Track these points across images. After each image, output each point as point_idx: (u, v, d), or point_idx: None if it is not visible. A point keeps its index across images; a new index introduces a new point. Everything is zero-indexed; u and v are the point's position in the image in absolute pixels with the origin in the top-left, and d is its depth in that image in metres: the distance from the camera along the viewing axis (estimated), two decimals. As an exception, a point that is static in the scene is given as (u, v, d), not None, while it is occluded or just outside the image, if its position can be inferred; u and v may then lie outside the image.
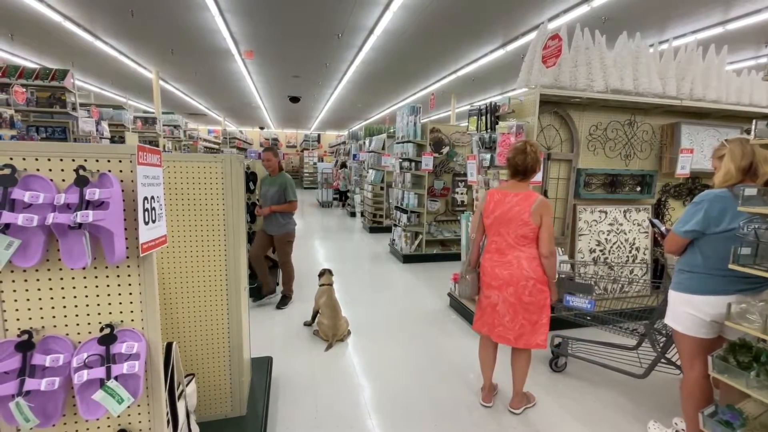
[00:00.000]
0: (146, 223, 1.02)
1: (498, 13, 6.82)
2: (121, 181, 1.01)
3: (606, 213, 3.90)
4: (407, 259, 6.01)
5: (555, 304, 2.40)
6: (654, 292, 3.78)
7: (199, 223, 1.92)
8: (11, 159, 0.95)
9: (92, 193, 0.93)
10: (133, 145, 1.00)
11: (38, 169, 0.97)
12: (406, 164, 6.19)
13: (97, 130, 7.39)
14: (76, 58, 10.00)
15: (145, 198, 1.02)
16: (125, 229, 1.00)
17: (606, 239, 3.91)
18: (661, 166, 3.99)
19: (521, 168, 2.27)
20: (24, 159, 0.96)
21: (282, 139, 27.34)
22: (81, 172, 0.95)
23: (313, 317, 3.44)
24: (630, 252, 3.99)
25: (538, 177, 3.29)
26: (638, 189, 3.96)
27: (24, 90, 6.26)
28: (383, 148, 8.34)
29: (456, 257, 6.14)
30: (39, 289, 1.01)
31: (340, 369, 2.94)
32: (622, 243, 3.96)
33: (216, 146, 20.01)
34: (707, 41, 7.52)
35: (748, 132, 4.20)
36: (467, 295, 2.48)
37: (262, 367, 2.69)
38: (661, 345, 2.55)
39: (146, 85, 12.50)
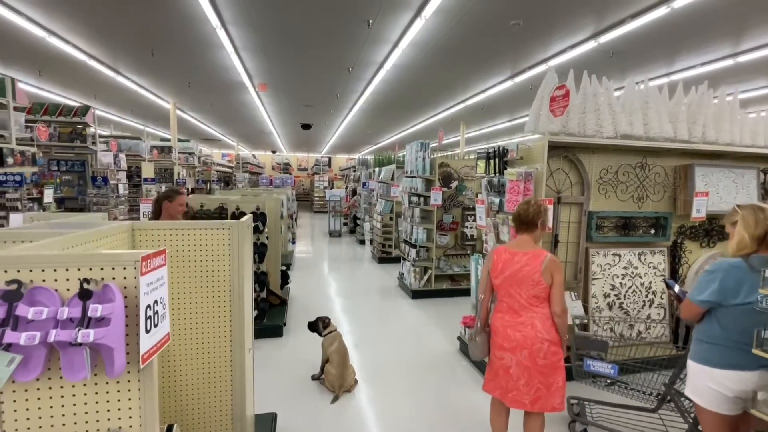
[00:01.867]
0: (147, 331, 1.02)
1: (505, 48, 6.93)
2: (125, 287, 1.02)
3: (620, 256, 3.80)
4: (416, 294, 5.93)
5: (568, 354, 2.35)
6: (673, 345, 3.62)
7: (204, 288, 1.92)
8: (18, 272, 0.97)
9: (95, 310, 0.93)
10: (137, 253, 1.01)
11: (44, 280, 0.98)
12: (414, 199, 6.19)
13: (114, 163, 7.62)
14: (99, 91, 10.44)
15: (148, 306, 1.02)
16: (127, 343, 1.00)
17: (621, 283, 3.80)
18: (676, 207, 3.90)
19: (523, 217, 2.27)
20: (31, 270, 0.98)
21: (293, 162, 27.82)
22: (85, 285, 0.96)
23: (322, 369, 3.36)
24: (646, 296, 3.86)
25: (548, 222, 3.24)
26: (652, 231, 3.87)
27: (47, 127, 6.52)
28: (392, 179, 8.38)
29: (466, 293, 6.03)
30: (39, 398, 1.00)
31: (347, 424, 2.86)
32: (637, 287, 3.84)
33: (229, 170, 20.43)
34: (717, 73, 7.54)
35: (765, 172, 4.11)
36: (478, 357, 2.42)
37: (266, 425, 2.63)
38: (691, 416, 2.40)
39: (164, 115, 12.94)
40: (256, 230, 4.13)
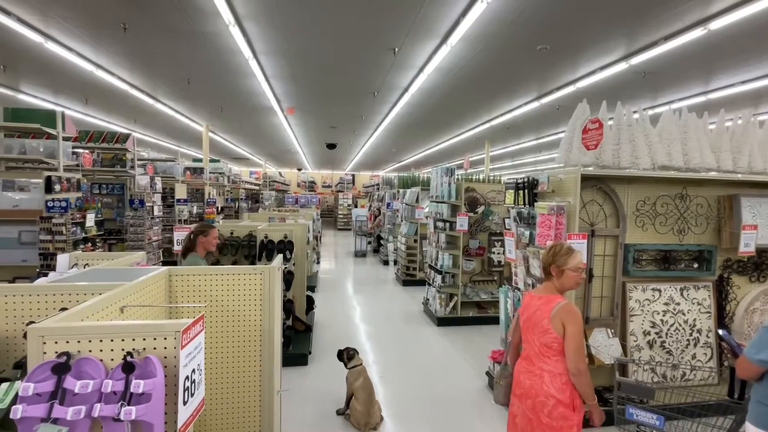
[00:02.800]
0: (185, 403, 1.02)
1: (531, 72, 6.88)
2: (165, 357, 1.03)
3: (660, 291, 3.60)
4: (442, 321, 5.81)
5: (598, 425, 2.08)
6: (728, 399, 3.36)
7: (236, 332, 1.94)
8: (67, 342, 1.00)
9: (137, 386, 0.94)
10: (179, 324, 1.03)
11: (90, 350, 1.01)
12: (440, 224, 6.13)
13: (151, 186, 7.98)
14: (138, 116, 11.07)
15: (186, 377, 1.03)
16: (165, 413, 1.01)
17: (662, 320, 3.59)
18: (721, 240, 3.68)
19: (544, 264, 2.11)
20: (79, 341, 1.01)
21: (318, 180, 28.34)
22: (128, 359, 0.98)
23: (347, 403, 3.31)
24: (691, 335, 3.62)
25: (582, 257, 3.12)
26: (695, 265, 3.66)
27: (91, 154, 6.93)
28: (417, 201, 8.36)
29: (493, 321, 5.86)
30: (81, 467, 1.02)
31: (372, 465, 2.79)
32: (680, 324, 3.61)
33: (256, 187, 21.01)
34: (761, 91, 7.19)
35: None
36: (500, 401, 2.30)
37: (292, 465, 2.59)
38: None
39: (197, 137, 13.53)
40: (284, 259, 4.18)
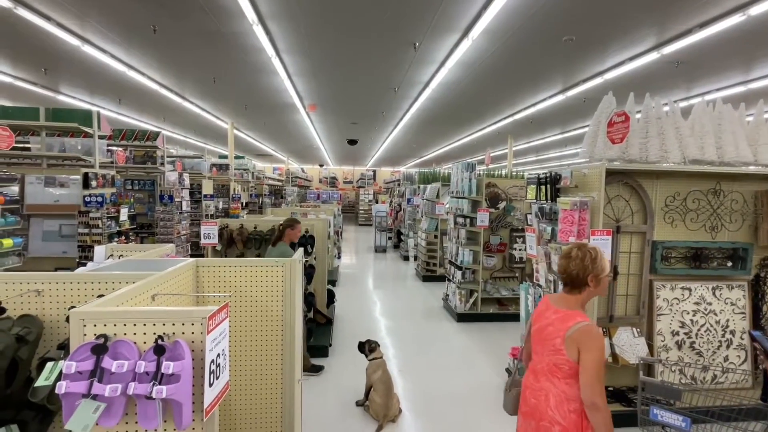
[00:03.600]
0: (211, 385, 1.09)
1: (556, 64, 6.70)
2: (192, 341, 1.10)
3: (690, 290, 3.47)
4: (462, 317, 5.79)
5: None
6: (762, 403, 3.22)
7: (258, 322, 2.02)
8: (105, 325, 1.08)
9: (167, 367, 1.01)
10: (206, 311, 1.09)
11: (125, 333, 1.09)
12: (461, 220, 6.09)
13: (179, 182, 8.29)
14: (167, 114, 11.48)
15: (212, 361, 1.09)
16: (193, 393, 1.07)
17: (692, 320, 3.46)
18: (758, 237, 3.50)
19: (563, 275, 1.78)
20: (115, 325, 1.09)
21: (339, 176, 28.57)
22: (160, 342, 1.05)
23: (366, 394, 3.38)
24: (723, 336, 3.47)
25: (605, 254, 3.04)
26: (729, 264, 3.50)
27: (124, 151, 7.26)
28: (437, 196, 8.33)
29: (514, 318, 5.79)
30: (117, 441, 1.10)
31: (390, 456, 2.84)
32: (712, 325, 3.47)
33: (279, 183, 21.41)
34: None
35: None
36: (509, 411, 2.04)
37: (313, 452, 2.67)
38: None
39: (222, 134, 13.92)
40: (305, 253, 4.27)
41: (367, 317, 5.98)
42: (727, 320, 3.49)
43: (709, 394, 3.05)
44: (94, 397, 1.01)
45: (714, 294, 3.49)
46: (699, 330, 3.46)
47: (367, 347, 3.58)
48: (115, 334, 1.08)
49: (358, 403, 3.46)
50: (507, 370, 4.04)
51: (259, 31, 5.37)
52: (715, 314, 3.48)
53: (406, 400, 3.58)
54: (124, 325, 1.09)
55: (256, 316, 2.01)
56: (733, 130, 3.19)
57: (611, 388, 3.44)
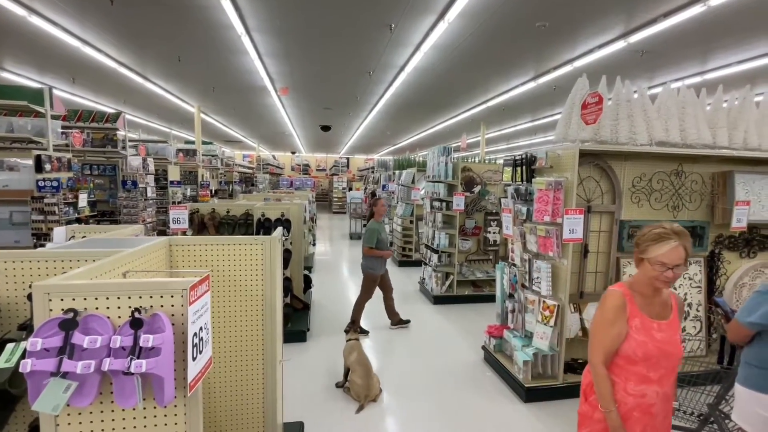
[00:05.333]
0: (194, 359, 1.03)
1: (529, 50, 6.80)
2: (172, 315, 1.04)
3: (653, 267, 3.66)
4: (438, 300, 5.88)
5: None
6: (718, 365, 3.46)
7: (238, 302, 1.95)
8: (74, 299, 1.00)
9: (146, 340, 0.95)
10: (187, 282, 1.03)
11: (97, 308, 1.01)
12: (437, 204, 6.14)
13: (143, 167, 7.86)
14: (128, 96, 10.80)
15: (195, 334, 1.04)
16: (174, 369, 1.02)
17: (654, 295, 3.66)
18: (714, 216, 3.74)
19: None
20: (85, 299, 1.00)
21: (312, 163, 28.09)
22: (136, 314, 0.98)
23: (345, 376, 3.38)
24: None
25: (578, 233, 3.15)
26: (688, 241, 3.72)
27: (81, 133, 6.78)
28: (413, 182, 8.35)
29: (488, 299, 5.95)
30: (92, 422, 1.03)
31: (371, 434, 2.86)
32: (671, 299, 3.69)
33: (250, 171, 20.80)
34: (755, 72, 7.19)
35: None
36: None
37: (294, 434, 2.65)
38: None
39: (188, 118, 13.28)
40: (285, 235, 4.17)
41: (345, 302, 5.96)
42: (685, 294, 3.72)
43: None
44: (65, 375, 0.94)
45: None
46: (660, 303, 3.68)
47: (351, 328, 3.63)
48: (85, 309, 1.00)
49: (338, 385, 3.46)
50: (483, 347, 4.15)
51: (227, 5, 5.10)
52: (675, 288, 3.70)
53: (386, 380, 3.62)
54: (96, 299, 1.01)
55: (235, 295, 1.94)
56: (696, 113, 3.35)
57: (580, 360, 3.61)
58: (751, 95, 3.57)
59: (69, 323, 0.95)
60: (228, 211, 4.31)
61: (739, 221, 3.49)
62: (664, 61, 7.06)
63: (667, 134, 3.28)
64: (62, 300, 0.99)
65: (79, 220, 5.56)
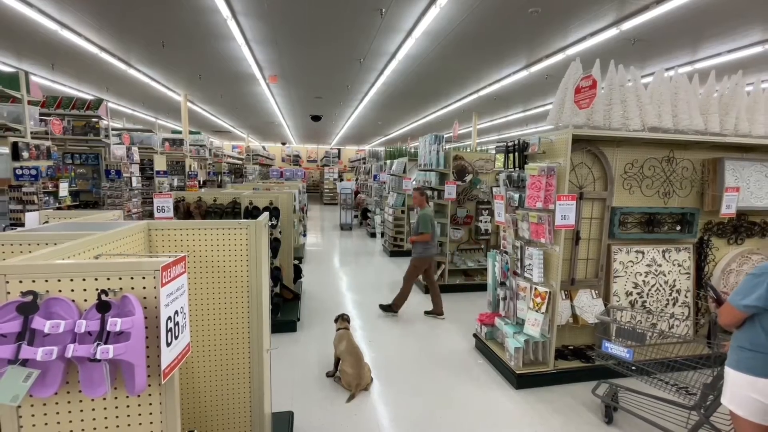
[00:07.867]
0: (168, 344, 0.96)
1: (521, 37, 6.72)
2: (144, 298, 0.96)
3: (643, 253, 3.68)
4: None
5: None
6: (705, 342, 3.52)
7: (222, 289, 1.88)
8: (34, 281, 0.92)
9: (114, 324, 0.87)
10: (158, 262, 0.95)
11: (60, 290, 0.93)
12: (428, 193, 6.08)
13: (127, 156, 7.64)
14: (111, 84, 10.47)
15: (168, 318, 0.97)
16: (147, 356, 0.95)
17: (644, 281, 3.68)
18: (703, 203, 3.75)
19: None
20: (47, 281, 0.93)
21: (303, 154, 27.80)
22: (103, 297, 0.91)
23: (336, 365, 3.34)
24: (670, 295, 3.74)
25: (570, 219, 3.13)
26: (678, 228, 3.73)
27: (61, 121, 6.54)
28: (404, 171, 8.27)
29: (480, 288, 5.95)
30: (58, 413, 0.96)
31: (363, 424, 2.83)
32: (661, 285, 3.72)
33: (239, 162, 20.48)
34: (744, 61, 7.22)
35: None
36: None
37: (283, 423, 2.60)
38: (705, 408, 2.35)
39: (175, 107, 12.97)
40: (270, 226, 4.08)
41: (335, 292, 5.92)
42: (674, 280, 3.75)
43: (661, 349, 3.29)
44: (24, 363, 0.86)
45: (664, 256, 3.72)
46: (650, 290, 3.69)
47: (340, 318, 3.59)
48: (47, 291, 0.92)
49: (328, 374, 3.42)
50: (475, 335, 4.14)
51: (212, -13, 4.92)
52: (664, 275, 3.72)
53: (377, 369, 3.59)
54: (59, 280, 0.93)
55: (219, 282, 1.86)
56: (688, 99, 3.33)
57: (571, 347, 3.62)
58: (743, 81, 3.56)
59: (28, 307, 0.88)
60: (215, 200, 4.20)
61: (728, 207, 3.50)
62: (655, 49, 7.04)
63: (659, 120, 3.25)
64: (21, 282, 0.91)
65: (60, 210, 5.39)
